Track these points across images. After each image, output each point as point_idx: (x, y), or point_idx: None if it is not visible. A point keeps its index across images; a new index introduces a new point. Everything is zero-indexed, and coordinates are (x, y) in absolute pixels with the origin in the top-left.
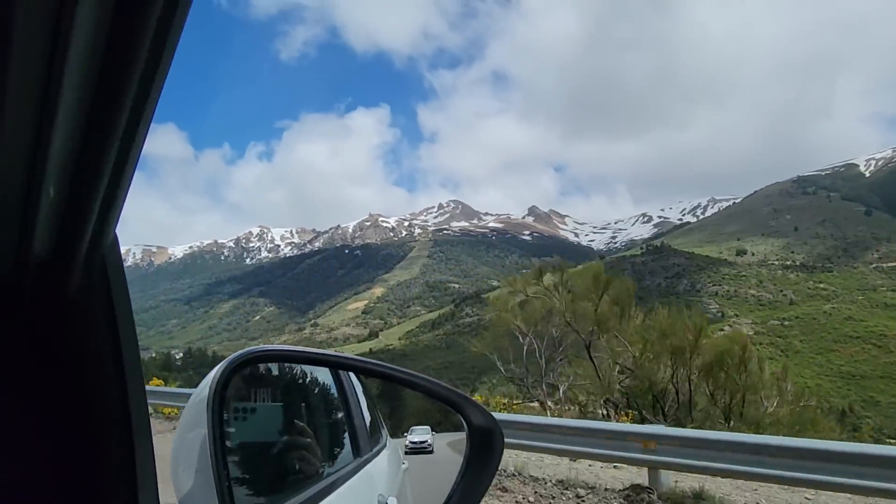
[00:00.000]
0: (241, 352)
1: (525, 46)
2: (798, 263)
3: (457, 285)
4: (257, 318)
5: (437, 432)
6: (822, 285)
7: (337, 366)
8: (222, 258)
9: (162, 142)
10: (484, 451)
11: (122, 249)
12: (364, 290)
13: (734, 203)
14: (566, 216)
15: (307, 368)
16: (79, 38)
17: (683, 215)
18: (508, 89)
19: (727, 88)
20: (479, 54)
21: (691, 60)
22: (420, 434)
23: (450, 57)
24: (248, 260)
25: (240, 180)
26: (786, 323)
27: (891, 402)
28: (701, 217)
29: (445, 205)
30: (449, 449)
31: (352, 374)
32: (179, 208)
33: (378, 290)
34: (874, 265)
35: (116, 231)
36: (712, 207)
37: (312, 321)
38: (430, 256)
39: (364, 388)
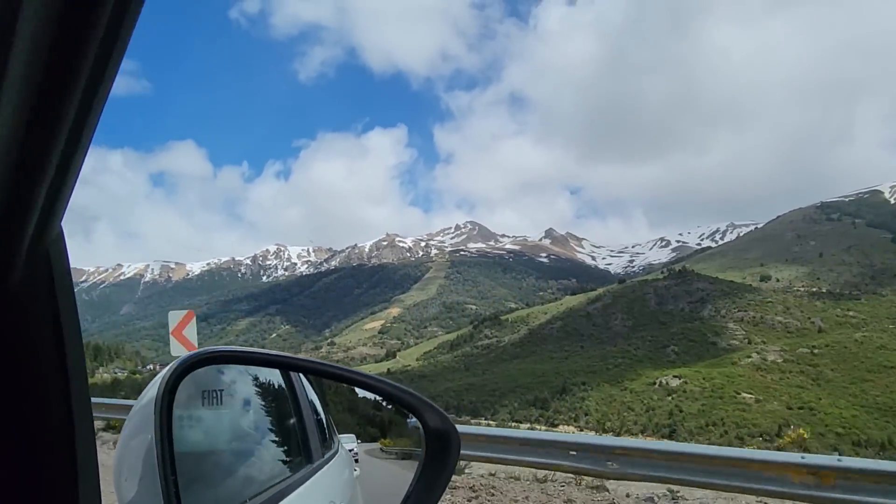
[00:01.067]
0: (189, 353)
1: (542, 69)
2: (825, 290)
3: (474, 307)
4: (273, 335)
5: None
6: (850, 313)
7: (289, 367)
8: (239, 276)
9: (181, 158)
10: (440, 454)
11: (141, 265)
12: (381, 310)
13: (756, 228)
14: (583, 239)
15: (258, 370)
16: (24, 29)
17: (702, 240)
18: (525, 111)
19: (746, 112)
20: (497, 76)
21: (711, 84)
22: (346, 442)
23: (467, 78)
24: (264, 278)
25: (257, 198)
26: (815, 351)
27: None
28: (720, 242)
29: (462, 226)
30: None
31: (303, 377)
32: (197, 225)
33: (395, 311)
34: None
35: (62, 225)
36: (731, 233)
37: (329, 340)
38: (446, 277)
39: (317, 391)
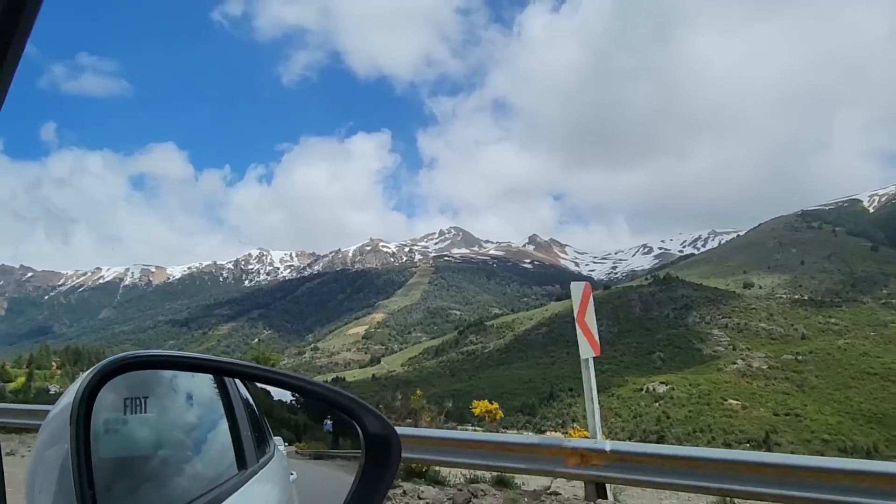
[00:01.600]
0: (111, 358)
1: (527, 75)
2: (806, 298)
3: (458, 312)
4: (256, 340)
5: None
6: (832, 320)
7: (221, 372)
8: (221, 280)
9: (162, 160)
10: (380, 459)
11: (120, 269)
12: (364, 315)
13: (738, 236)
14: (566, 245)
15: (188, 375)
16: None
17: (684, 247)
18: (509, 118)
19: (728, 121)
20: (481, 82)
21: (693, 92)
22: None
23: (451, 84)
24: (246, 282)
25: (239, 202)
26: (800, 358)
27: None
28: (702, 249)
29: (446, 231)
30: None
31: (238, 381)
32: (178, 229)
33: (379, 316)
34: (883, 301)
35: None
36: (713, 240)
37: (312, 345)
38: (430, 283)
39: (252, 395)
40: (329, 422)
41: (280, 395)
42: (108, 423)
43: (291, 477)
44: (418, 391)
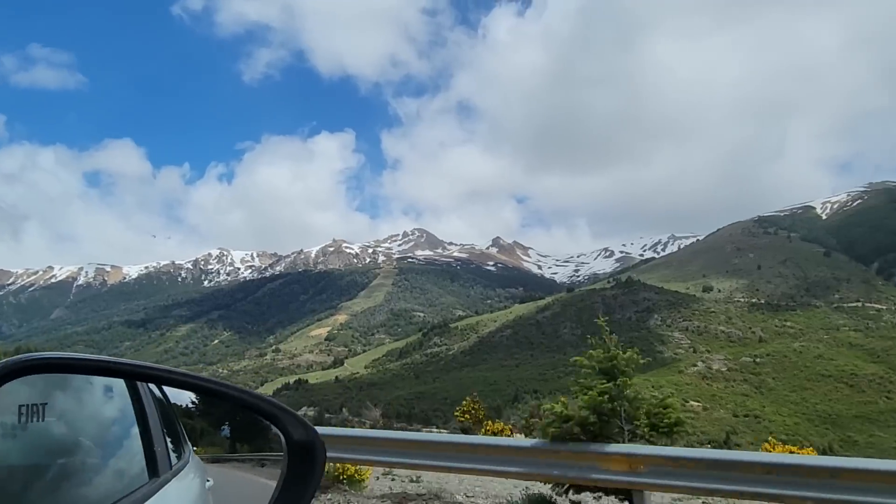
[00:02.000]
0: (7, 361)
1: (491, 78)
2: (763, 301)
3: (422, 314)
4: (216, 342)
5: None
6: (788, 323)
7: (132, 376)
8: (179, 280)
9: (118, 157)
10: (304, 466)
11: (73, 268)
12: (327, 317)
13: (697, 240)
14: (529, 248)
15: (96, 379)
16: None
17: (645, 251)
18: (474, 120)
19: (688, 128)
20: (446, 84)
21: (655, 99)
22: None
23: (416, 85)
24: (206, 283)
25: (199, 201)
26: (758, 360)
27: (868, 443)
28: (662, 253)
29: (410, 233)
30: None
31: (152, 385)
32: (135, 227)
33: (341, 317)
34: (835, 305)
35: None
36: (672, 244)
37: (274, 347)
38: (394, 284)
39: (166, 398)
40: (226, 427)
41: (198, 399)
42: (6, 427)
43: (208, 483)
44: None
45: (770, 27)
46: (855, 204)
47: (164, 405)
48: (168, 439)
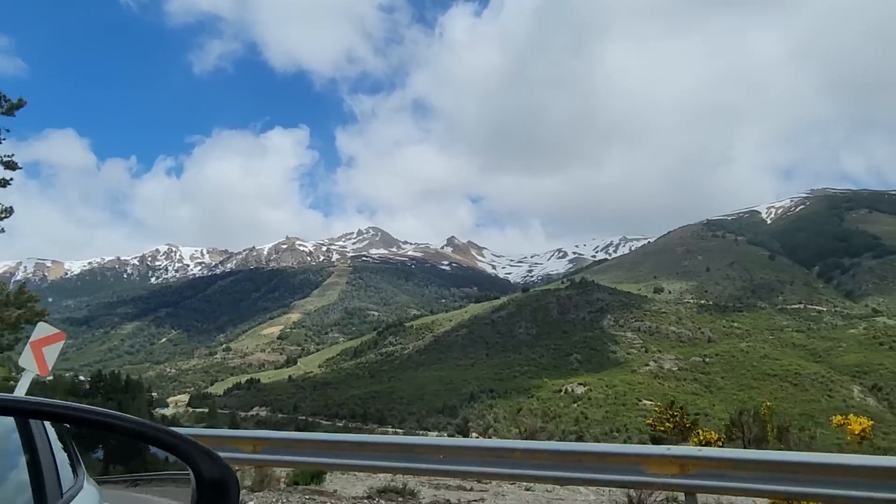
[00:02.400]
0: None
1: (448, 77)
2: (711, 303)
3: (376, 313)
4: (163, 340)
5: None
6: (735, 324)
7: (20, 413)
8: (125, 276)
9: (60, 148)
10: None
11: (11, 263)
12: (279, 315)
13: (648, 242)
14: (484, 248)
15: None
16: None
17: (597, 252)
18: (429, 119)
19: (639, 132)
20: (402, 82)
21: (608, 103)
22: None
23: (372, 82)
24: (153, 279)
25: (146, 195)
26: (707, 360)
27: (813, 440)
28: (614, 254)
29: (364, 231)
30: None
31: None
32: (78, 221)
33: (294, 316)
34: (779, 307)
35: None
36: (624, 246)
37: (224, 346)
38: (348, 283)
39: (58, 427)
40: (100, 450)
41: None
42: None
43: None
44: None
45: (719, 35)
46: (797, 209)
47: (55, 433)
48: (59, 468)
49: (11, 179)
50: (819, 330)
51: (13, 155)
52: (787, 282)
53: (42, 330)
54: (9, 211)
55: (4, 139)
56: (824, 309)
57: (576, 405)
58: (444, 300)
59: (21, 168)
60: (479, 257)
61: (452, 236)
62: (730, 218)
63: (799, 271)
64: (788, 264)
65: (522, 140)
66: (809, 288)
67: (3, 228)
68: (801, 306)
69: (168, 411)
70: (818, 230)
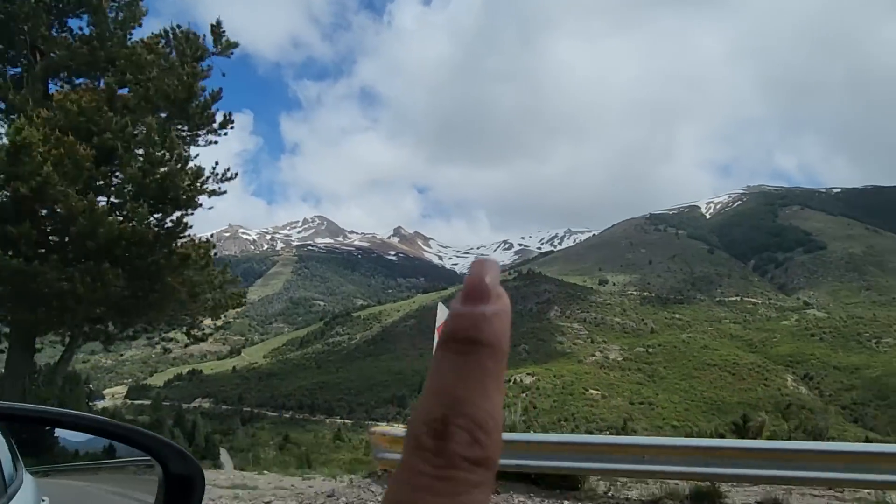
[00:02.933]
0: None
1: (396, 66)
2: (654, 295)
3: (322, 303)
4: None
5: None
6: (676, 316)
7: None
8: None
9: None
10: (180, 500)
11: None
12: None
13: (593, 235)
14: (430, 239)
15: None
16: None
17: (542, 244)
18: (376, 107)
19: (585, 126)
20: (349, 69)
21: (555, 97)
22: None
23: (318, 68)
24: None
25: None
26: (650, 350)
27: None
28: (559, 247)
29: (310, 220)
30: None
31: None
32: None
33: None
34: (717, 299)
35: None
36: (569, 238)
37: (163, 335)
38: (293, 272)
39: None
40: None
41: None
42: None
43: (44, 502)
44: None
45: (662, 34)
46: (735, 205)
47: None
48: (3, 464)
49: (224, 192)
50: (755, 321)
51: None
52: (724, 275)
53: (443, 313)
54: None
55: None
56: (759, 301)
57: (524, 395)
58: (391, 290)
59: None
60: (426, 248)
61: (399, 226)
62: (671, 212)
63: (736, 265)
64: (726, 258)
65: (470, 131)
66: (746, 281)
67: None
68: (738, 299)
69: (105, 403)
70: (754, 225)
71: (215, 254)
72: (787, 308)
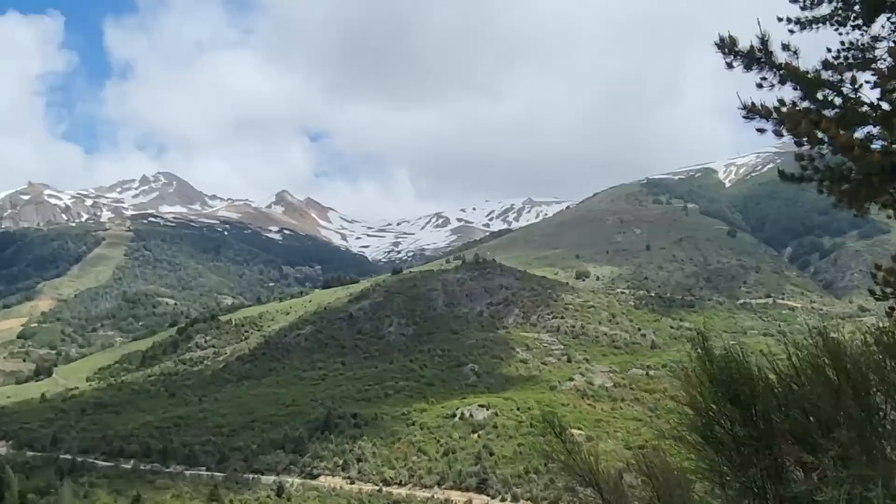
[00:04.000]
0: None
1: None
2: (653, 294)
3: (172, 301)
4: None
5: None
6: (685, 324)
7: None
8: None
9: None
10: None
11: None
12: (20, 303)
13: (567, 208)
14: (329, 209)
15: None
16: None
17: (492, 220)
18: (250, 14)
19: (554, 52)
20: None
21: (512, 7)
22: None
23: None
24: None
25: None
26: (651, 372)
27: None
28: (517, 224)
29: (151, 178)
30: None
31: None
32: None
33: (44, 303)
34: (741, 301)
35: None
36: (530, 211)
37: None
38: (128, 255)
39: None
40: None
41: None
42: None
43: None
44: None
45: None
46: (765, 168)
47: None
48: None
49: None
50: (791, 334)
51: None
52: (751, 268)
53: None
54: None
55: None
56: (799, 305)
57: (476, 436)
58: (273, 283)
59: None
60: (324, 222)
61: (284, 190)
62: (676, 178)
63: (766, 253)
64: (753, 244)
65: (387, 54)
66: (780, 276)
67: None
68: (770, 301)
69: None
70: (791, 198)
71: None
72: (837, 314)
